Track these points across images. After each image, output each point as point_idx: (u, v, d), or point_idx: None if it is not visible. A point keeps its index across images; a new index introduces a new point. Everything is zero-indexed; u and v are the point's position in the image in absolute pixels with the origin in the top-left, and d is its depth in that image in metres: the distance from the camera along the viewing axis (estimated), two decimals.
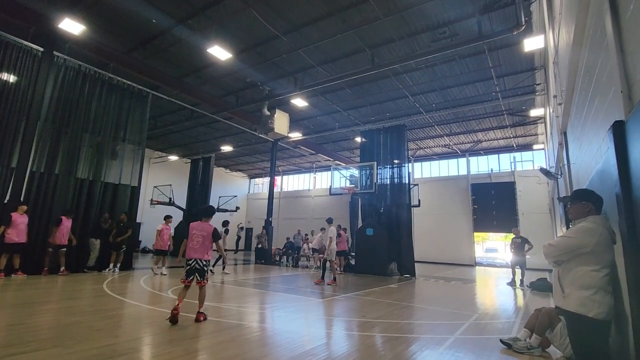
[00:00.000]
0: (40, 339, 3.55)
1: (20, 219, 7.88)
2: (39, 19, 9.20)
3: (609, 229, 2.39)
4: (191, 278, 4.66)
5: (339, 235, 12.32)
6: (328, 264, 10.12)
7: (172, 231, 10.33)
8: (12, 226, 7.73)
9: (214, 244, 4.90)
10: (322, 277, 9.49)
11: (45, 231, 8.87)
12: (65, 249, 8.88)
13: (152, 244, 10.23)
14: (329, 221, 10.16)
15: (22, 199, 8.52)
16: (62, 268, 8.74)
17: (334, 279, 9.61)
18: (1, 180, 8.30)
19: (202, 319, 4.57)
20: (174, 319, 4.33)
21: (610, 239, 2.35)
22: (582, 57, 4.15)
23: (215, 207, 21.38)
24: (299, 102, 13.92)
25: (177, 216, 19.91)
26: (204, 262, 4.70)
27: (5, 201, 8.30)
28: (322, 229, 13.95)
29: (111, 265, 9.82)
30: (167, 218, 10.30)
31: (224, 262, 11.22)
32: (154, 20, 9.72)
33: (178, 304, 4.46)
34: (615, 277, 2.35)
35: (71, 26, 8.93)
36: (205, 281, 4.76)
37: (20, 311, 4.84)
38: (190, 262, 4.67)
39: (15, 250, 7.81)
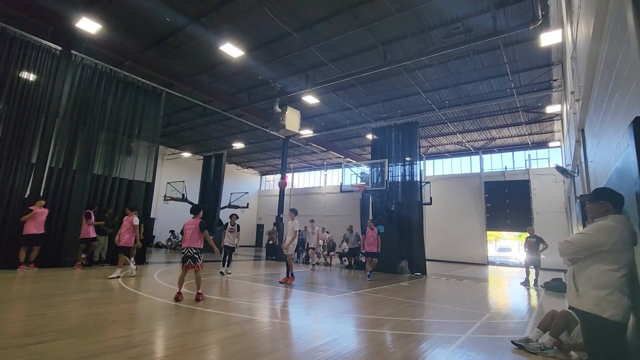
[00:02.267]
0: (58, 330, 3.67)
1: (40, 211, 8.17)
2: (57, 19, 9.42)
3: (631, 229, 2.32)
4: (187, 263, 5.63)
5: (364, 232, 10.98)
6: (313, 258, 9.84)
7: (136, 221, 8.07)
8: (32, 218, 7.99)
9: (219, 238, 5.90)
10: (291, 274, 8.44)
11: (64, 225, 9.14)
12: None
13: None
14: (294, 212, 8.86)
15: (41, 194, 8.77)
16: (79, 262, 8.99)
17: (290, 275, 8.41)
18: (22, 176, 8.57)
19: (200, 298, 5.53)
20: (177, 300, 5.42)
21: (631, 240, 2.28)
22: (601, 52, 4.02)
23: (227, 203, 21.92)
24: (310, 99, 13.93)
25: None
26: (195, 250, 5.64)
27: (26, 196, 8.58)
28: (312, 220, 14.09)
29: (132, 259, 10.08)
30: (131, 209, 8.28)
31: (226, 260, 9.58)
32: (167, 19, 9.84)
33: (179, 288, 5.66)
34: (634, 278, 2.28)
35: (88, 25, 9.13)
36: (199, 267, 5.67)
37: (40, 302, 5.00)
38: (184, 250, 5.69)
39: (35, 242, 8.05)
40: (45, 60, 9.14)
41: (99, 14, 9.52)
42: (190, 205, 19.33)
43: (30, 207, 8.11)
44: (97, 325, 3.88)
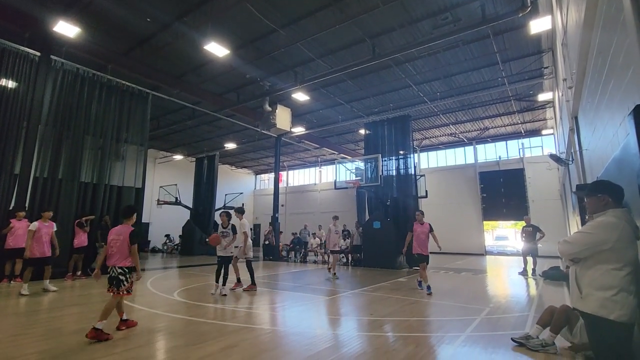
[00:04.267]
0: (40, 350, 3.49)
1: (17, 225, 7.79)
2: (33, 23, 9.12)
3: (631, 223, 2.19)
4: (111, 287, 4.21)
5: (411, 229, 7.98)
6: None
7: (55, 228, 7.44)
8: (11, 232, 7.71)
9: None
10: (237, 280, 7.65)
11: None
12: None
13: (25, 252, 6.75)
14: (240, 211, 7.62)
15: (26, 206, 8.52)
16: (70, 273, 8.79)
17: (238, 280, 7.63)
18: (5, 187, 8.31)
19: (123, 327, 4.24)
20: (119, 329, 4.22)
21: (633, 234, 2.15)
22: (594, 37, 3.89)
23: (222, 205, 21.69)
24: (300, 97, 13.72)
25: (185, 215, 20.02)
26: (120, 270, 4.16)
27: (10, 208, 8.32)
28: (335, 217, 10.74)
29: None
30: (44, 213, 7.32)
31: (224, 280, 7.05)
32: (148, 19, 9.56)
33: (120, 316, 4.30)
34: (638, 276, 2.17)
35: (66, 29, 8.83)
36: (122, 292, 4.15)
37: (24, 320, 4.82)
38: (108, 270, 4.24)
39: (16, 255, 7.78)
40: (23, 66, 8.84)
41: (77, 16, 9.21)
42: (187, 209, 18.78)
43: (10, 220, 7.83)
44: (82, 344, 3.70)
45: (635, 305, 2.09)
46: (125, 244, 4.18)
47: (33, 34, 9.20)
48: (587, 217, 2.55)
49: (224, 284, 6.90)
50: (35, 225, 6.94)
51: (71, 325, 4.49)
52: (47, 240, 7.06)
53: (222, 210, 6.75)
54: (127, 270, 4.18)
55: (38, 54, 9.06)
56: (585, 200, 2.51)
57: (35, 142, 8.93)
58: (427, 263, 7.61)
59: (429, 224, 7.87)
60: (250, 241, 7.60)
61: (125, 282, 4.16)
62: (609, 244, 2.15)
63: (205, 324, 4.70)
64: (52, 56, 9.31)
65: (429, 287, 7.28)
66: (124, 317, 4.34)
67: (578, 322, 3.36)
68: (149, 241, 22.41)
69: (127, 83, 11.05)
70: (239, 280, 7.67)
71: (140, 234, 4.15)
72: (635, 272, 2.15)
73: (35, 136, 8.94)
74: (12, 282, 7.77)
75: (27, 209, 8.41)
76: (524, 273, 10.36)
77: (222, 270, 6.92)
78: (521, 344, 3.78)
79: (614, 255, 2.15)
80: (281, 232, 18.51)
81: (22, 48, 8.81)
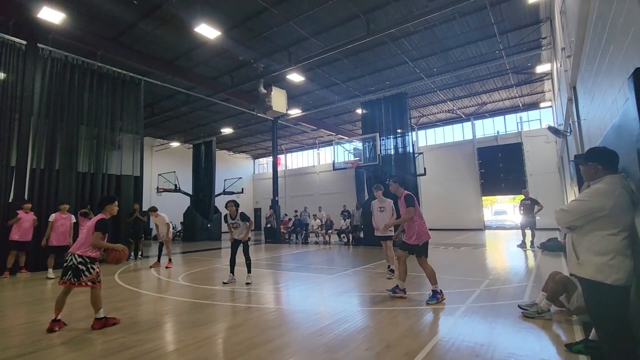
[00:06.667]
0: (49, 337, 3.57)
1: (25, 217, 7.82)
2: (17, 10, 8.83)
3: (628, 188, 2.20)
4: (66, 277, 3.78)
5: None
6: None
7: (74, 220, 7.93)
8: (18, 225, 7.72)
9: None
10: (157, 260, 8.91)
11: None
12: None
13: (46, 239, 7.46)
14: (152, 209, 8.83)
15: (26, 197, 8.50)
16: None
17: (159, 260, 8.92)
18: (3, 180, 8.27)
19: (97, 327, 3.78)
20: (51, 330, 3.71)
21: (630, 199, 2.16)
22: (593, 1, 3.79)
23: (222, 190, 21.71)
24: (295, 77, 13.49)
25: (185, 202, 20.07)
26: (81, 259, 3.81)
27: (10, 201, 8.31)
28: (377, 187, 7.45)
29: (133, 254, 10.16)
30: (62, 205, 7.87)
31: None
32: (135, 1, 9.25)
33: (56, 315, 3.80)
34: (635, 240, 2.19)
35: (51, 15, 8.56)
36: (87, 284, 3.81)
37: (32, 308, 4.89)
38: (67, 257, 3.89)
39: (20, 248, 7.79)
40: (10, 56, 8.61)
41: (61, 1, 8.91)
42: (187, 196, 18.72)
43: (17, 211, 7.83)
44: (89, 329, 3.78)
45: (631, 268, 2.12)
46: (92, 232, 3.89)
47: (18, 21, 8.92)
48: (583, 186, 2.55)
49: (249, 271, 6.44)
50: (52, 216, 7.56)
51: (78, 312, 4.54)
52: (64, 230, 7.61)
53: (229, 200, 6.42)
54: (88, 260, 3.83)
55: (24, 42, 8.82)
56: (581, 168, 2.50)
57: (29, 133, 8.81)
58: (424, 256, 5.01)
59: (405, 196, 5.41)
60: (171, 231, 9.19)
61: (87, 273, 3.82)
62: (605, 210, 2.16)
63: (210, 305, 4.79)
64: (39, 44, 9.08)
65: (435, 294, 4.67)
66: (59, 316, 3.84)
67: (576, 291, 3.43)
68: (152, 229, 22.53)
69: (118, 70, 10.83)
70: (158, 259, 8.97)
71: (106, 224, 3.98)
72: (631, 236, 2.17)
73: (28, 128, 8.80)
74: (17, 273, 7.84)
75: (26, 200, 8.40)
76: (522, 245, 10.50)
77: (245, 256, 6.49)
78: (525, 310, 3.87)
79: (610, 221, 2.16)
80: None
81: (7, 37, 8.57)
